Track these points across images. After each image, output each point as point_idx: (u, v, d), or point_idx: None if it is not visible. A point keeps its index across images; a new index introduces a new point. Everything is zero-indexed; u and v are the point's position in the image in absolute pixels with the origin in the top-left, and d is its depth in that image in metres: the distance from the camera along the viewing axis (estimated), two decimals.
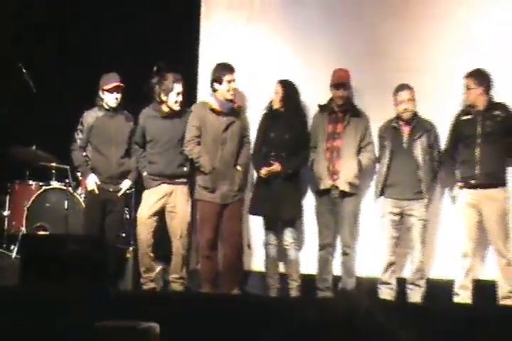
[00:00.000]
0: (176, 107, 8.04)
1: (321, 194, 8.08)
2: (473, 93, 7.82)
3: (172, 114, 8.12)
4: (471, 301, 7.65)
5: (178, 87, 8.00)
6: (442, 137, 8.11)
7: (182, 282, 8.04)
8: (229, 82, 7.98)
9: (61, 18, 8.81)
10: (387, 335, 1.30)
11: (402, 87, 7.99)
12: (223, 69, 8.02)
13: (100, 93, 8.19)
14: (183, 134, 8.09)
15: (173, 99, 8.01)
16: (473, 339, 5.43)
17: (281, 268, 8.23)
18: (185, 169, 8.14)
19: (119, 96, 8.16)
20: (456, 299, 7.70)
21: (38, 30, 8.78)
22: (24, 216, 8.34)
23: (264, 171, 7.92)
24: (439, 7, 8.49)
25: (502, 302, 7.60)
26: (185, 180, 8.17)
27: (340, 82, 8.07)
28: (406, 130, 7.99)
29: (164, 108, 8.08)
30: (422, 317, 5.96)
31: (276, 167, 7.90)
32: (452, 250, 7.98)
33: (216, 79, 8.01)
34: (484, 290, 7.74)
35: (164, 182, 8.09)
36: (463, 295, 7.69)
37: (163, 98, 8.03)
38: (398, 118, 8.00)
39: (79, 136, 8.22)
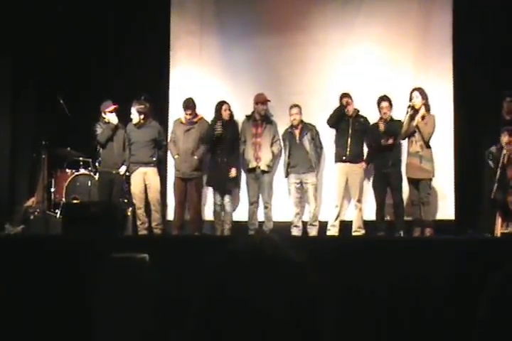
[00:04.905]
0: (133, 122, 8.04)
1: (249, 171, 8.17)
2: (351, 107, 7.96)
3: (141, 126, 8.07)
4: (337, 234, 7.83)
5: (132, 111, 8.00)
6: (323, 133, 8.18)
7: (160, 228, 8.04)
8: (186, 114, 8.09)
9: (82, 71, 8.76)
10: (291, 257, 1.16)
11: (294, 105, 8.11)
12: (183, 106, 8.13)
13: (103, 113, 8.08)
14: (149, 138, 8.08)
15: (133, 116, 8.05)
16: (338, 254, 5.39)
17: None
18: (154, 158, 8.11)
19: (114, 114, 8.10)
20: (328, 233, 7.90)
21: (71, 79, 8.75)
22: (64, 191, 8.29)
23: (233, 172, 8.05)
24: (317, 53, 8.54)
25: (354, 234, 7.84)
26: (154, 165, 8.11)
27: (265, 100, 8.15)
28: (297, 131, 8.08)
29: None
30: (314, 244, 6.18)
31: (233, 173, 8.07)
32: (329, 203, 8.14)
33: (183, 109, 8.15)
34: (346, 226, 7.94)
35: (141, 166, 8.04)
36: (332, 230, 7.90)
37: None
38: (292, 125, 8.10)
39: (97, 132, 8.11)
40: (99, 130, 8.11)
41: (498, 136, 7.40)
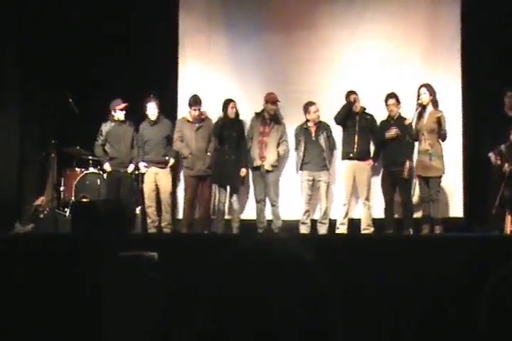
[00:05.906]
0: (151, 118, 8.16)
1: (254, 169, 8.16)
2: (358, 104, 7.96)
3: (154, 123, 8.19)
4: (346, 232, 7.83)
5: (150, 106, 8.12)
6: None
7: (170, 227, 8.11)
8: (194, 110, 8.10)
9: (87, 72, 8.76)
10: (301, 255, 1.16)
11: (312, 103, 8.06)
12: (190, 102, 8.14)
13: (113, 111, 8.17)
14: (162, 135, 8.18)
15: (151, 112, 8.15)
16: (347, 252, 5.38)
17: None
18: (166, 158, 8.20)
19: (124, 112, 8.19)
20: (337, 231, 7.89)
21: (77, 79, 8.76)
22: (73, 190, 8.28)
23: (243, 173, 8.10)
24: (325, 51, 8.54)
25: (363, 232, 7.83)
26: (166, 165, 8.21)
27: (275, 100, 8.14)
28: (313, 129, 8.05)
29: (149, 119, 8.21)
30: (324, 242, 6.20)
31: (244, 173, 8.11)
32: (339, 201, 8.14)
33: (189, 106, 8.15)
34: (354, 224, 7.94)
35: (153, 166, 8.16)
36: (341, 229, 7.89)
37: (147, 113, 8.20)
38: (308, 121, 8.04)
39: (100, 138, 8.23)
40: (100, 137, 8.22)
41: (506, 133, 7.35)
